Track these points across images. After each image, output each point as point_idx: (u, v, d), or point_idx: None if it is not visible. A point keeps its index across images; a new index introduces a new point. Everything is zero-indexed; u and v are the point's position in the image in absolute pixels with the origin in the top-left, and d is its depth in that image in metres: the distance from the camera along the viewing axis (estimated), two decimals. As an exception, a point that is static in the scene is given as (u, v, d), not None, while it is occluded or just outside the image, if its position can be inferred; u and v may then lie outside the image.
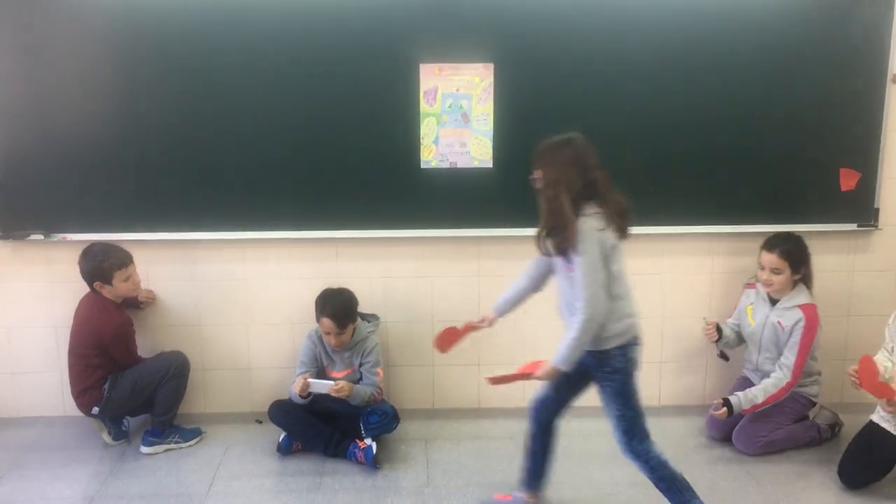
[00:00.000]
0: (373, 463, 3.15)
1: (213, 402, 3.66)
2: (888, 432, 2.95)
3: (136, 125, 3.35)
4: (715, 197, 3.51)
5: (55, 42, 3.29)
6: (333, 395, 3.14)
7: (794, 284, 3.26)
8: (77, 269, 3.28)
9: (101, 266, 3.23)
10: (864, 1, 3.37)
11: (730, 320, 3.50)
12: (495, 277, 3.61)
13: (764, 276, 3.23)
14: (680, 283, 3.65)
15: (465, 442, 3.43)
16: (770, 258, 3.21)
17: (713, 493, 2.94)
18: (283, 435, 3.31)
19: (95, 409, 3.28)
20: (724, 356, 3.45)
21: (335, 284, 3.36)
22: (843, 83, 3.43)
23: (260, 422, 3.55)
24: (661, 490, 2.55)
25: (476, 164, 3.45)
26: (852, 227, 3.57)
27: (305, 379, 3.18)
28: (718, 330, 3.39)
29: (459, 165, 3.45)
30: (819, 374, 3.38)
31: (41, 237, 3.43)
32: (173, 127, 3.36)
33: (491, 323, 2.82)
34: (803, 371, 3.19)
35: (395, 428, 3.35)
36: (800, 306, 3.20)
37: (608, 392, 2.51)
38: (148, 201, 3.41)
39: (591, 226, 2.39)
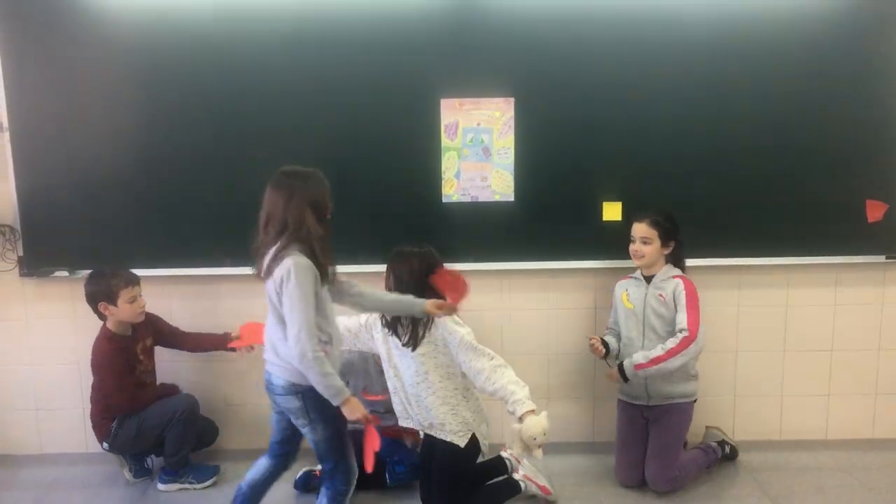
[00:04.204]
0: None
1: (233, 439, 3.64)
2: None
3: (160, 162, 3.39)
4: (741, 230, 3.46)
5: (80, 80, 3.35)
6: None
7: (665, 261, 3.22)
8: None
9: (108, 283, 3.17)
10: (888, 30, 3.35)
11: (608, 324, 3.40)
12: (520, 311, 3.59)
13: (634, 246, 3.20)
14: (710, 315, 3.57)
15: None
16: (640, 227, 3.18)
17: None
18: (300, 472, 3.28)
19: (105, 445, 3.28)
20: (622, 371, 3.16)
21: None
22: (868, 114, 3.40)
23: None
24: None
25: (497, 198, 3.44)
26: (881, 258, 3.50)
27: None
28: (604, 344, 3.25)
29: (481, 199, 3.44)
30: (695, 375, 3.25)
31: (66, 274, 3.45)
32: (197, 164, 3.39)
33: None
34: (700, 328, 3.07)
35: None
36: (675, 276, 3.18)
37: None
38: (171, 237, 3.43)
39: None
